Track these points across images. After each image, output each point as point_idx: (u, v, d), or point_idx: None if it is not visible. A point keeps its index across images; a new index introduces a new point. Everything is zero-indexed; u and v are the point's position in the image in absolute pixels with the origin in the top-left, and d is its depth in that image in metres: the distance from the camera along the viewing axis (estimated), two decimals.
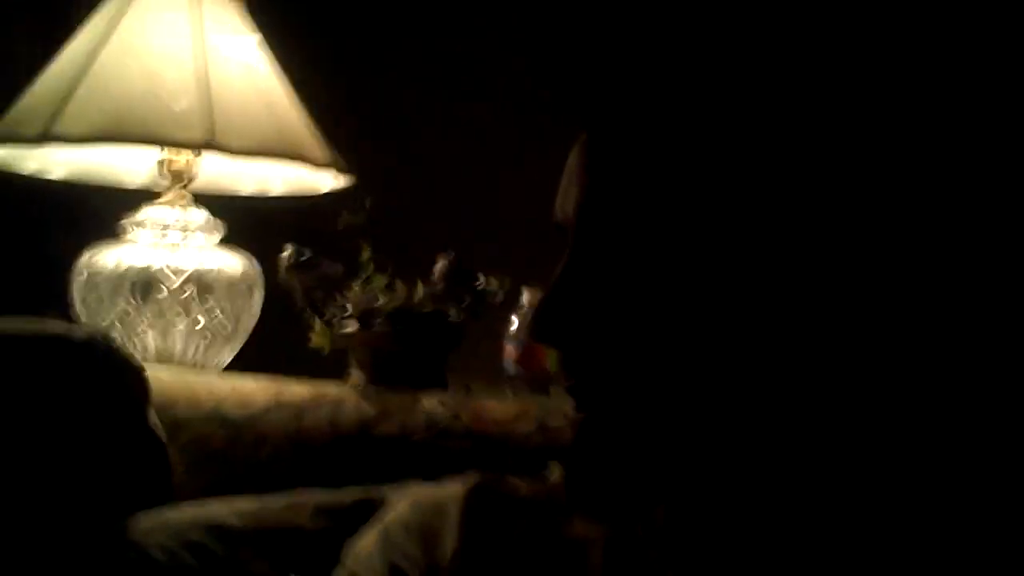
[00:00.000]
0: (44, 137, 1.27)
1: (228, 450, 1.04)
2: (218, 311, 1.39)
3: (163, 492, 0.94)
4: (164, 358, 1.37)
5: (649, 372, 0.52)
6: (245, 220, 1.50)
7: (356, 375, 1.21)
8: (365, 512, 0.78)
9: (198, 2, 1.38)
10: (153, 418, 0.99)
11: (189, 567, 0.76)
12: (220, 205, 1.48)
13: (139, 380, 0.96)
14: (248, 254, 1.45)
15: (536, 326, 0.54)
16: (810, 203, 0.51)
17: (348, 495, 0.84)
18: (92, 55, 1.30)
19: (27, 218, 1.51)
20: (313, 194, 1.50)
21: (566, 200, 0.55)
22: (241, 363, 1.44)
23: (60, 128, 1.26)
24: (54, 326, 0.94)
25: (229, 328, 1.41)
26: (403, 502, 0.64)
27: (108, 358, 0.92)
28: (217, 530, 0.81)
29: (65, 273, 1.39)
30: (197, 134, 1.28)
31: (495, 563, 0.58)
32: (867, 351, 0.52)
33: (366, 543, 0.63)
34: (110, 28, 1.32)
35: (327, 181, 1.46)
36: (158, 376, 1.16)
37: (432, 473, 0.94)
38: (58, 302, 1.35)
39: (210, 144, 1.29)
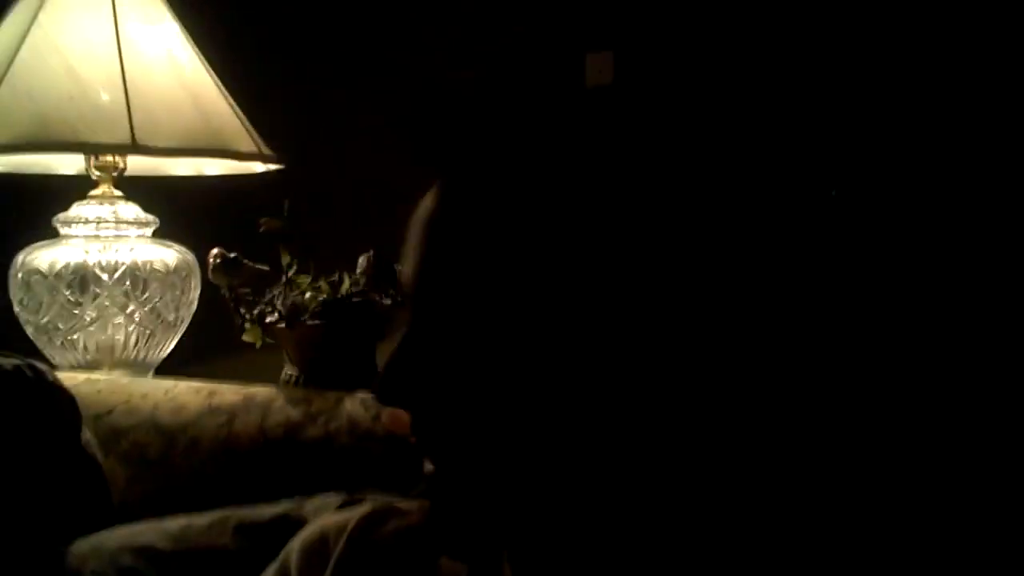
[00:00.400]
0: None
1: (164, 457, 1.08)
2: (155, 304, 1.43)
3: (101, 510, 0.99)
4: (105, 352, 1.41)
5: (490, 427, 0.56)
6: (180, 210, 1.53)
7: (288, 370, 1.26)
8: (284, 530, 0.83)
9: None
10: (86, 437, 1.03)
11: None
12: (154, 195, 1.50)
13: (69, 405, 0.99)
14: (182, 247, 1.48)
15: (382, 390, 0.57)
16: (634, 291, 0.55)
17: (268, 511, 0.89)
18: (11, 54, 1.30)
19: None
20: (246, 173, 1.52)
21: (406, 263, 0.58)
22: (182, 353, 1.49)
23: None
24: None
25: (168, 320, 1.45)
26: (296, 540, 0.68)
27: (37, 387, 0.96)
28: (147, 553, 0.86)
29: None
30: (118, 136, 1.29)
31: None
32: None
33: None
34: (28, 23, 1.32)
35: (258, 165, 1.48)
36: (95, 383, 1.21)
37: (353, 479, 1.00)
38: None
39: (131, 147, 1.30)
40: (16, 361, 0.97)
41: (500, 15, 1.62)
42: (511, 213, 0.55)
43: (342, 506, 0.84)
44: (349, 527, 0.66)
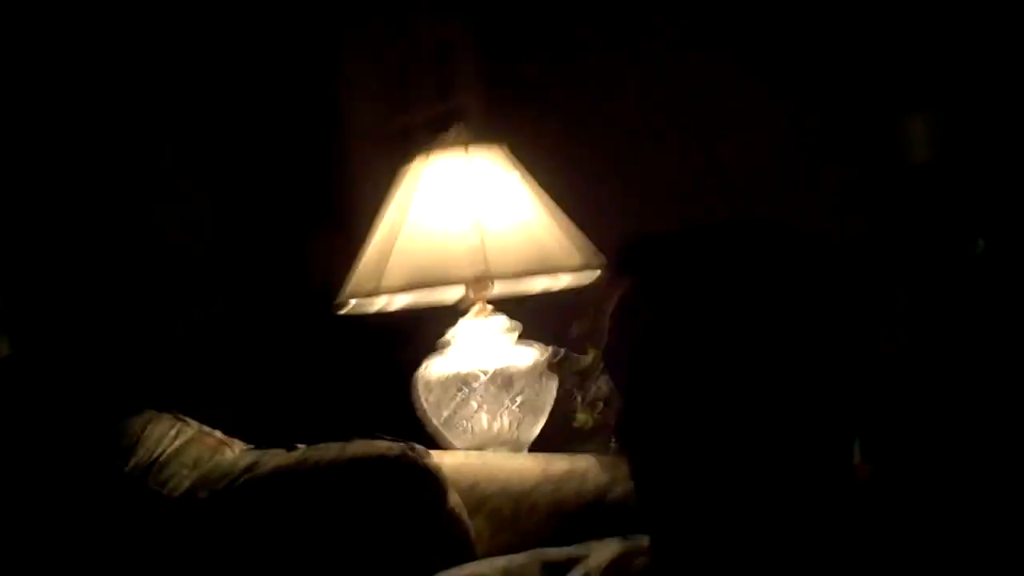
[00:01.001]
0: (376, 291, 1.76)
1: (514, 517, 1.42)
2: (523, 394, 1.79)
3: (465, 557, 1.34)
4: (490, 437, 1.80)
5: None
6: (539, 315, 1.90)
7: (615, 446, 1.55)
8: (573, 566, 1.12)
9: (469, 162, 1.80)
10: (454, 501, 1.40)
11: None
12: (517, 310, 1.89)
13: (438, 477, 1.37)
14: (542, 345, 1.84)
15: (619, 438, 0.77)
16: None
17: (566, 552, 1.19)
18: (398, 226, 1.77)
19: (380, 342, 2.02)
20: (585, 284, 1.85)
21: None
22: (545, 436, 1.83)
23: (384, 283, 1.74)
24: (381, 445, 1.39)
25: (534, 406, 1.81)
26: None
27: (415, 466, 1.35)
28: None
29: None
30: (477, 270, 1.70)
31: None
32: None
33: None
34: (408, 201, 1.78)
35: (590, 276, 1.81)
36: (467, 460, 1.59)
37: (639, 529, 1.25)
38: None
39: (486, 275, 1.70)
40: (402, 447, 1.37)
41: None
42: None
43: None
44: (603, 564, 0.91)
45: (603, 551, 1.13)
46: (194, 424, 1.76)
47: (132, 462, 1.61)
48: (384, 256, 1.76)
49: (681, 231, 0.79)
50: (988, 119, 1.57)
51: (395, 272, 1.74)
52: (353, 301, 1.85)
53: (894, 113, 1.93)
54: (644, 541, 1.12)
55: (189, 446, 1.67)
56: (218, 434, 1.73)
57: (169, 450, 1.65)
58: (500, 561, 1.25)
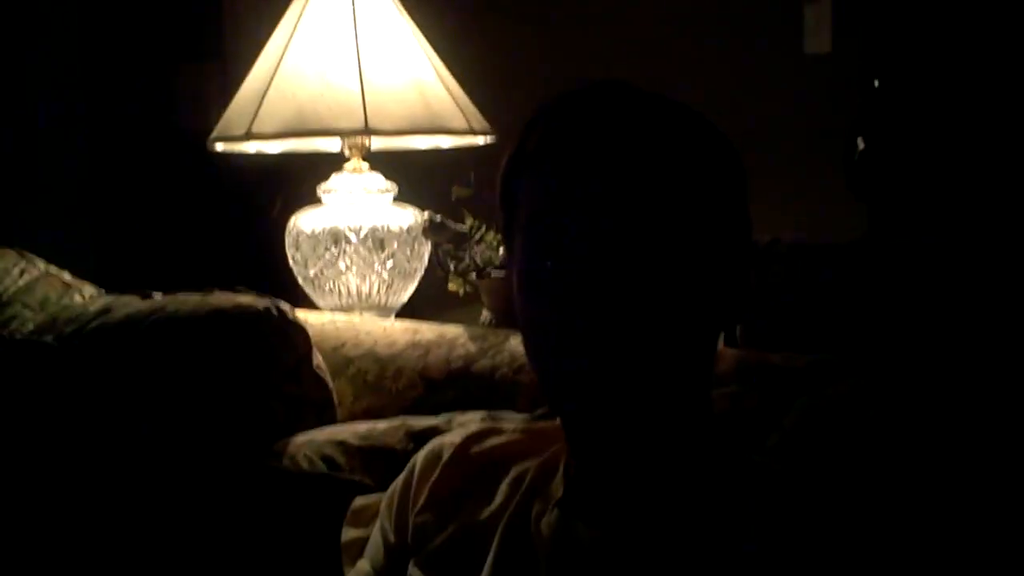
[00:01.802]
0: (247, 136, 1.65)
1: (378, 381, 1.39)
2: (393, 257, 1.75)
3: (328, 418, 1.31)
4: (361, 298, 1.75)
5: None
6: (416, 177, 1.84)
7: (485, 314, 1.53)
8: (426, 436, 1.10)
9: (357, 4, 1.69)
10: (318, 361, 1.36)
11: (320, 471, 1.12)
12: (396, 166, 1.82)
13: (303, 337, 1.32)
14: (416, 209, 1.78)
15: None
16: None
17: (429, 421, 1.17)
18: (274, 68, 1.65)
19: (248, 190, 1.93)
20: (472, 146, 1.79)
21: None
22: (413, 302, 1.80)
23: (256, 128, 1.64)
24: (245, 299, 1.32)
25: (405, 270, 1.77)
26: (421, 451, 0.91)
27: (279, 322, 1.30)
28: (342, 445, 1.17)
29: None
30: (355, 122, 1.61)
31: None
32: None
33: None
34: (285, 43, 1.66)
35: (473, 141, 1.75)
36: (334, 322, 1.54)
37: (505, 402, 1.25)
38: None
39: (364, 130, 1.62)
40: (267, 303, 1.31)
41: None
42: None
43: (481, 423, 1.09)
44: (456, 443, 0.89)
45: (468, 424, 1.12)
46: (41, 263, 1.65)
47: None
48: (257, 98, 1.66)
49: (567, 95, 0.76)
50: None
51: (268, 118, 1.64)
52: (221, 146, 1.74)
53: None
54: (507, 417, 1.11)
55: (35, 286, 1.57)
56: (67, 275, 1.63)
57: (12, 289, 1.55)
58: (363, 426, 1.22)
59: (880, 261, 1.22)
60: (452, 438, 0.90)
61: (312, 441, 1.19)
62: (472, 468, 0.86)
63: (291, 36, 1.68)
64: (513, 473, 0.85)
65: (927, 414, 0.95)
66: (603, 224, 0.70)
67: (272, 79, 1.66)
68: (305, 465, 1.14)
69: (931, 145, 1.50)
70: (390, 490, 0.90)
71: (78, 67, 3.10)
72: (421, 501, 0.86)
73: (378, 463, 1.13)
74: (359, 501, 0.95)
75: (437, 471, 0.87)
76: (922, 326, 1.17)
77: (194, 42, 2.97)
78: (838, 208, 1.68)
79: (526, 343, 0.76)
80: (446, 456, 0.88)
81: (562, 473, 0.80)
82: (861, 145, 1.54)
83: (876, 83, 1.58)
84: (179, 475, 1.12)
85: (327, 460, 1.15)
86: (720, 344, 1.22)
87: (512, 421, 1.06)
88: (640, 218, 0.70)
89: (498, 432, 0.90)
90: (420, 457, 0.90)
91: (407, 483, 0.89)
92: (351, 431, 1.19)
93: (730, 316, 0.77)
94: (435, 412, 1.26)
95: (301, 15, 1.70)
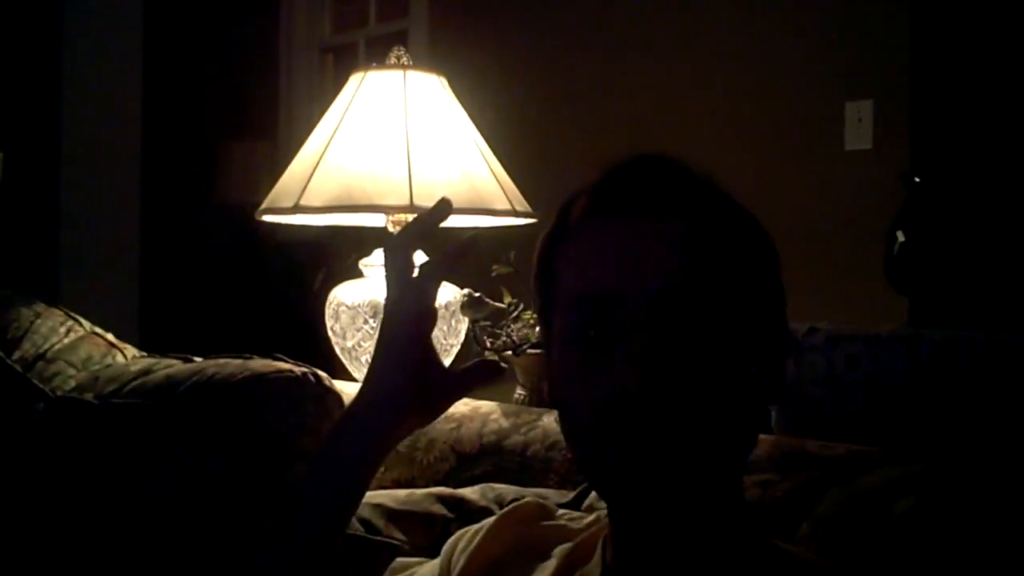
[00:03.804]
0: (295, 209, 1.69)
1: (410, 452, 1.40)
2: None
3: None
4: None
5: None
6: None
7: (519, 391, 1.53)
8: (468, 506, 1.11)
9: (406, 88, 1.74)
10: None
11: (357, 531, 1.12)
12: (435, 242, 1.85)
13: (340, 404, 1.33)
14: (455, 285, 1.80)
15: None
16: None
17: (462, 492, 1.17)
18: (325, 145, 1.70)
19: (291, 263, 1.97)
20: (511, 225, 1.82)
21: None
22: None
23: (304, 201, 1.68)
24: (283, 365, 1.34)
25: (442, 344, 1.78)
26: (453, 539, 0.91)
27: (317, 388, 1.31)
28: (380, 508, 1.17)
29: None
30: (401, 201, 1.65)
31: None
32: None
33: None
34: (337, 123, 1.72)
35: (515, 222, 1.78)
36: None
37: (537, 477, 1.24)
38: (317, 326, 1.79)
39: (411, 208, 1.65)
40: (304, 369, 1.33)
41: None
42: None
43: (511, 500, 1.09)
44: (488, 525, 0.89)
45: (504, 496, 1.12)
46: (86, 323, 1.69)
47: (16, 354, 1.54)
48: (307, 173, 1.70)
49: (614, 167, 0.77)
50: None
51: (316, 192, 1.68)
52: (269, 217, 1.78)
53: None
54: (540, 493, 1.11)
55: (79, 345, 1.60)
56: (110, 336, 1.66)
57: (57, 347, 1.58)
58: (401, 492, 1.23)
59: (918, 352, 1.21)
60: (485, 521, 0.90)
61: None
62: (510, 543, 0.86)
63: (343, 116, 1.74)
64: (552, 553, 0.84)
65: (961, 510, 0.93)
66: (652, 295, 0.69)
67: (322, 156, 1.71)
68: None
69: (970, 240, 1.50)
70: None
71: (137, 140, 3.21)
72: (457, 572, 0.85)
73: (416, 527, 1.13)
74: (398, 562, 0.95)
75: (475, 543, 0.87)
76: (960, 419, 1.15)
77: (247, 122, 3.07)
78: (877, 299, 1.67)
79: (562, 420, 0.76)
80: (479, 536, 0.88)
81: (599, 555, 0.79)
82: (901, 238, 1.54)
83: (917, 179, 1.59)
84: (210, 532, 1.12)
85: (364, 523, 1.15)
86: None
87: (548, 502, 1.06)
88: (689, 290, 0.69)
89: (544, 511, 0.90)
90: (459, 550, 0.89)
91: (448, 557, 0.88)
92: (389, 495, 1.20)
93: (765, 402, 0.77)
94: (465, 486, 1.26)
95: (353, 97, 1.75)
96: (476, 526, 0.90)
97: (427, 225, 0.82)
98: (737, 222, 0.73)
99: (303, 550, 0.74)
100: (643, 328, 0.68)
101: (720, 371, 0.69)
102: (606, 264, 0.72)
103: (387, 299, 0.78)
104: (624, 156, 0.76)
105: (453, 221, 1.85)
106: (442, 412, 0.83)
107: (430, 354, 0.78)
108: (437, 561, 0.89)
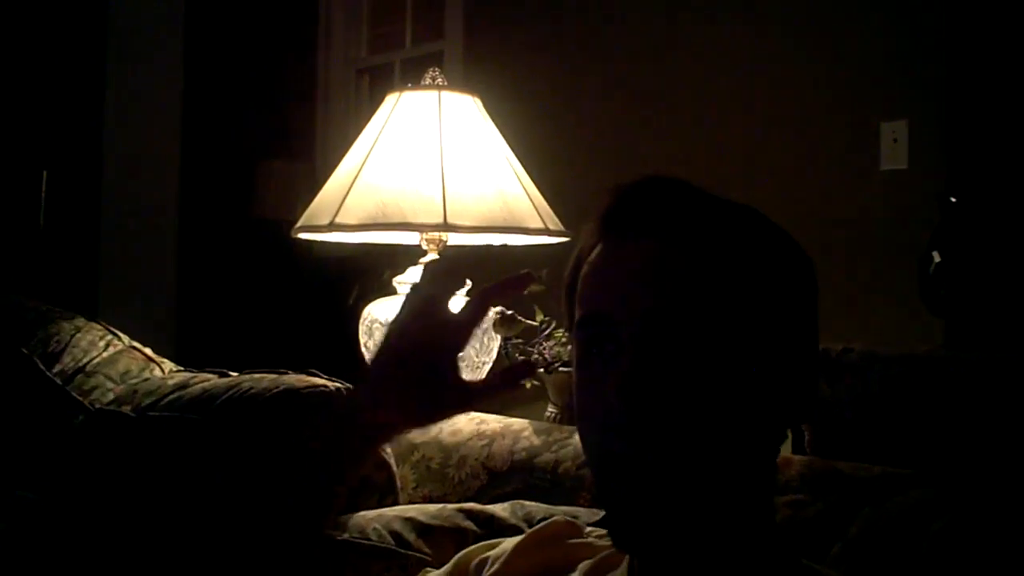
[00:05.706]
0: (331, 227, 1.71)
1: (441, 468, 1.40)
2: (461, 352, 1.77)
3: (390, 499, 1.32)
4: None
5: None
6: (489, 275, 1.87)
7: (551, 409, 1.54)
8: (498, 525, 1.11)
9: (441, 109, 1.76)
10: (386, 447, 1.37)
11: (388, 544, 1.13)
12: (469, 260, 1.86)
13: None
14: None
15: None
16: None
17: (492, 509, 1.17)
18: (360, 165, 1.72)
19: (327, 281, 1.99)
20: (544, 244, 1.83)
21: None
22: None
23: (340, 219, 1.70)
24: (317, 380, 1.35)
25: (474, 362, 1.79)
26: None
27: None
28: (411, 522, 1.18)
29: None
30: (435, 219, 1.66)
31: None
32: None
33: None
34: (372, 143, 1.74)
35: (551, 238, 1.79)
36: None
37: (568, 495, 1.25)
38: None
39: (445, 226, 1.66)
40: (338, 384, 1.34)
41: None
42: None
43: (541, 519, 1.10)
44: (510, 547, 0.89)
45: (533, 515, 1.12)
46: (125, 338, 1.71)
47: (57, 367, 1.56)
48: (343, 192, 1.72)
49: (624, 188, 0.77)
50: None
51: (351, 210, 1.70)
52: (306, 234, 1.81)
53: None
54: (575, 512, 1.11)
55: (118, 359, 1.63)
56: (148, 351, 1.69)
57: (97, 360, 1.61)
58: (432, 506, 1.24)
59: (953, 374, 1.20)
60: (506, 544, 0.90)
61: (381, 516, 1.20)
62: (537, 562, 0.86)
63: (378, 136, 1.76)
64: (578, 567, 0.84)
65: (994, 533, 0.92)
66: (638, 316, 0.69)
67: (358, 175, 1.73)
68: (374, 538, 1.15)
69: (1007, 261, 1.49)
70: None
71: (176, 159, 3.26)
72: None
73: (445, 542, 1.13)
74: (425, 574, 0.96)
75: (502, 561, 0.87)
76: (995, 443, 1.14)
77: (285, 140, 3.11)
78: (912, 321, 1.66)
79: (583, 439, 0.76)
80: (513, 546, 0.88)
81: (626, 564, 0.79)
82: (937, 259, 1.53)
83: (952, 199, 1.58)
84: (244, 543, 1.13)
85: (395, 535, 1.16)
86: (787, 451, 1.21)
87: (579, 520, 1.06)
88: (673, 311, 0.68)
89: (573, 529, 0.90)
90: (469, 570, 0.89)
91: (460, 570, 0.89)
92: (420, 509, 1.21)
93: (794, 423, 0.76)
94: (496, 503, 1.26)
95: (389, 117, 1.77)
96: (490, 543, 0.90)
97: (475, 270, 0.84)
98: (740, 241, 0.72)
99: (267, 538, 0.75)
100: (627, 351, 0.68)
101: (710, 391, 0.68)
102: (604, 286, 0.72)
103: (402, 303, 0.80)
104: (630, 179, 0.76)
105: (486, 238, 1.87)
106: (447, 418, 0.84)
107: (439, 362, 0.78)
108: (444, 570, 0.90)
